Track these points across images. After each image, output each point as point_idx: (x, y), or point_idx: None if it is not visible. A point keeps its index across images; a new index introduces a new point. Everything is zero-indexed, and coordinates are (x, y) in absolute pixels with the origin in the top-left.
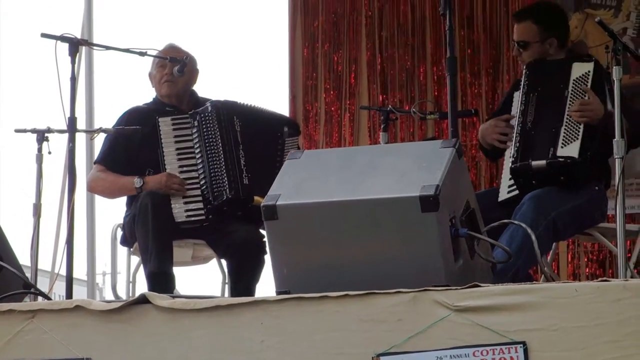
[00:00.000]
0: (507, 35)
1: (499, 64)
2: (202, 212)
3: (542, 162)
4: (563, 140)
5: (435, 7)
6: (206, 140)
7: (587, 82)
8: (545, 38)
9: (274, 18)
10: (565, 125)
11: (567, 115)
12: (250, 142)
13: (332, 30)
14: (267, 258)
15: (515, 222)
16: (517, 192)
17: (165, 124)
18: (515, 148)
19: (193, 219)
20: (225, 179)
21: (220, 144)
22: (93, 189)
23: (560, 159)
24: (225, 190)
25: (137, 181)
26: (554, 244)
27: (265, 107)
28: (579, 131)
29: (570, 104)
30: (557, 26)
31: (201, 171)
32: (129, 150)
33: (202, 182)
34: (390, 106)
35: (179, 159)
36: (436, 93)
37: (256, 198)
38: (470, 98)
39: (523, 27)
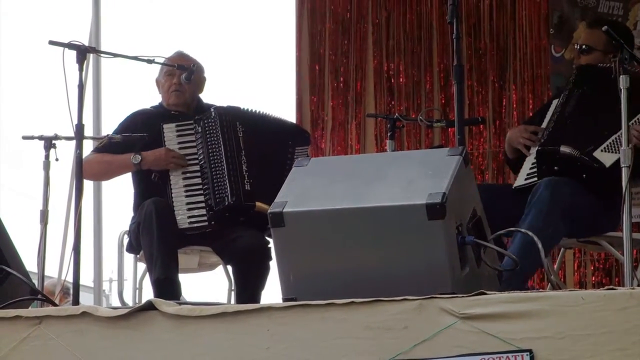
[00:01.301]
0: (514, 44)
1: (505, 72)
2: (205, 218)
3: (574, 150)
4: (607, 146)
5: (442, 15)
6: (209, 146)
7: None
8: (609, 51)
9: (280, 25)
10: (619, 136)
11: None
12: (253, 148)
13: (338, 38)
14: (273, 264)
15: (522, 230)
16: (534, 179)
17: (169, 131)
18: (548, 131)
19: (196, 225)
20: (227, 185)
21: (223, 150)
22: (85, 171)
23: (592, 160)
24: (227, 196)
25: (135, 157)
26: (561, 250)
27: (272, 114)
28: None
29: (635, 122)
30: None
31: (204, 177)
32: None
33: (204, 188)
34: (397, 114)
35: None
36: (443, 101)
37: (259, 204)
38: (477, 106)
39: (593, 33)
